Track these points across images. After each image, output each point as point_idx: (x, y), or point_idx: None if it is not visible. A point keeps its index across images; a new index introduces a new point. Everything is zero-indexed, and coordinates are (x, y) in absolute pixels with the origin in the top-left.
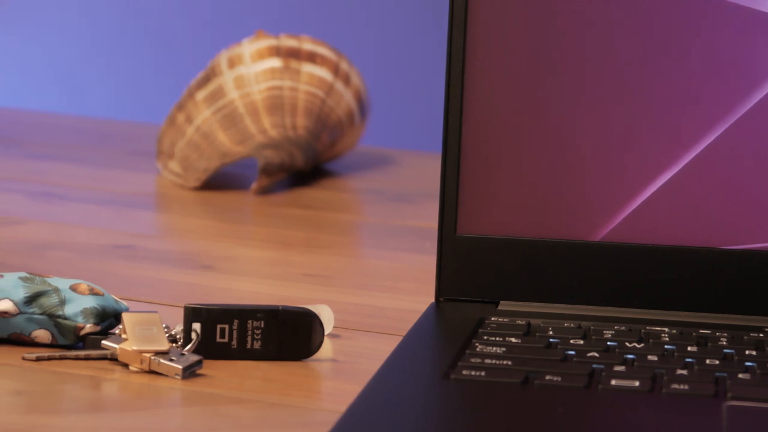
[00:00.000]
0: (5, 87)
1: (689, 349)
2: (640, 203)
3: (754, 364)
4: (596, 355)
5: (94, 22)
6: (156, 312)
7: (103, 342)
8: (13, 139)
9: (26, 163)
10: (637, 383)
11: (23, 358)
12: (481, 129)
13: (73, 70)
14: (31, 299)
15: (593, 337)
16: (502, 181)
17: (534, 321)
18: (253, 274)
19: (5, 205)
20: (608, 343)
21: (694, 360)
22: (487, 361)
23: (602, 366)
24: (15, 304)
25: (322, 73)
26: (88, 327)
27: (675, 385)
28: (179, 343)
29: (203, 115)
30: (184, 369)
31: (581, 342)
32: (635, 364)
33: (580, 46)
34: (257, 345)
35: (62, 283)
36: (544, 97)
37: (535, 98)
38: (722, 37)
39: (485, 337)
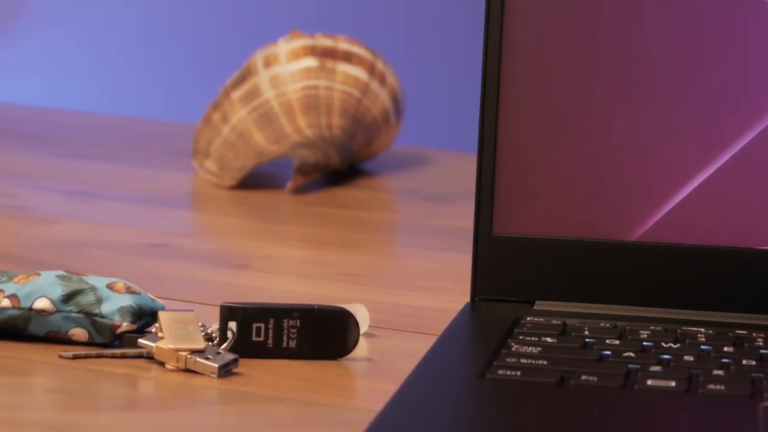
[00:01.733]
0: (43, 87)
1: (725, 349)
2: (677, 203)
3: None
4: (632, 355)
5: (130, 22)
6: (192, 311)
7: (140, 340)
8: (50, 138)
9: (63, 163)
10: (673, 383)
11: (60, 356)
12: (517, 128)
13: (110, 70)
14: (68, 297)
15: (629, 337)
16: (537, 181)
17: (569, 321)
18: (288, 273)
19: (43, 204)
20: (644, 343)
21: (730, 360)
22: (523, 360)
23: (638, 366)
24: (52, 302)
25: (358, 72)
26: (125, 325)
27: (711, 386)
28: (215, 341)
29: (239, 114)
30: (220, 367)
31: (617, 342)
32: (671, 364)
33: (618, 45)
34: (293, 344)
35: (99, 282)
36: (581, 96)
37: (572, 97)
38: (761, 38)
39: (521, 337)
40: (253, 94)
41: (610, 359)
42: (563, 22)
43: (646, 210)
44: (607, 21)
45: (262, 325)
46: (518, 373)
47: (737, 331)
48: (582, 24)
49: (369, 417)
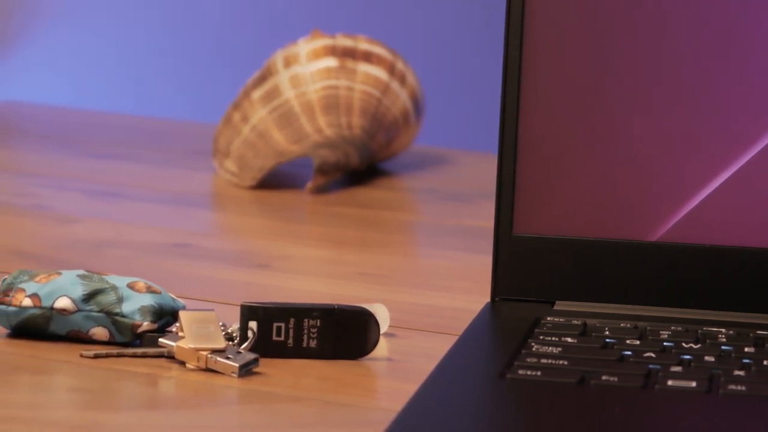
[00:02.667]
0: (64, 87)
1: (746, 349)
2: (697, 203)
3: None
4: (653, 355)
5: (151, 22)
6: (213, 310)
7: (160, 340)
8: (71, 138)
9: (84, 163)
10: (694, 384)
11: (81, 356)
12: (537, 128)
13: (131, 70)
14: (89, 297)
15: (649, 337)
16: (558, 181)
17: (590, 321)
18: (308, 272)
19: (64, 204)
20: (665, 343)
21: (751, 361)
22: (543, 360)
23: (659, 366)
24: (73, 301)
25: (378, 72)
26: (146, 325)
27: (732, 386)
28: (236, 341)
29: (259, 114)
30: (241, 367)
31: (637, 342)
32: (692, 364)
33: (638, 45)
34: (313, 343)
35: (120, 281)
36: (602, 96)
37: (592, 98)
38: None
39: (541, 337)
40: (274, 94)
41: (631, 359)
42: (584, 22)
43: (667, 210)
44: (627, 21)
45: (283, 325)
46: (539, 373)
47: (758, 332)
48: (603, 24)
49: (389, 417)
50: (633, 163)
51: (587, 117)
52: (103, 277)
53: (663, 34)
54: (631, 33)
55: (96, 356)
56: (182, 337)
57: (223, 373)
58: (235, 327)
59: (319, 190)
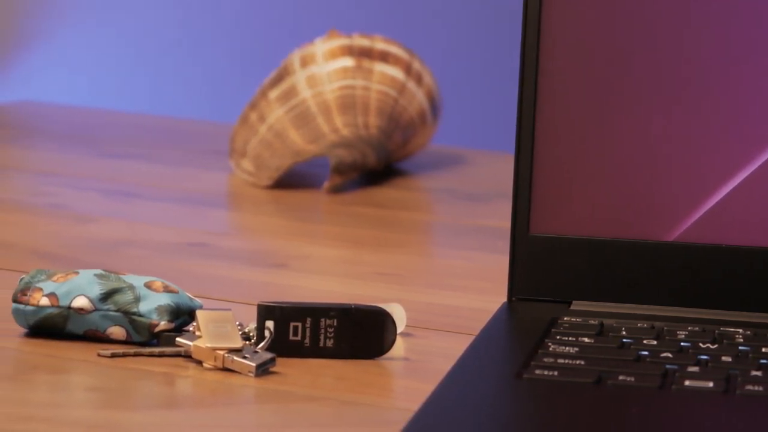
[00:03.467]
0: (82, 86)
1: (764, 350)
2: (714, 203)
3: None
4: (670, 355)
5: (167, 22)
6: (229, 310)
7: (177, 339)
8: (88, 137)
9: (101, 162)
10: (711, 384)
11: (98, 355)
12: (554, 128)
13: (148, 70)
14: (107, 296)
15: (666, 337)
16: (575, 181)
17: (607, 321)
18: (325, 272)
19: (81, 203)
20: (682, 343)
21: None
22: (560, 360)
23: (676, 366)
24: (90, 300)
25: (395, 72)
26: (163, 324)
27: (749, 386)
28: (252, 340)
29: (276, 113)
30: (258, 366)
31: (654, 342)
32: (709, 364)
33: (655, 46)
34: (330, 343)
35: (137, 281)
36: (619, 96)
37: (610, 97)
38: None
39: (558, 337)
40: (290, 93)
41: (648, 359)
42: (601, 21)
43: (684, 210)
44: (645, 20)
45: (300, 325)
46: (555, 373)
47: None
48: (620, 24)
49: (406, 416)
50: (650, 163)
51: (604, 117)
52: (120, 276)
53: (682, 34)
54: (650, 32)
55: (113, 355)
56: (199, 337)
57: (239, 373)
58: (251, 326)
59: (336, 190)
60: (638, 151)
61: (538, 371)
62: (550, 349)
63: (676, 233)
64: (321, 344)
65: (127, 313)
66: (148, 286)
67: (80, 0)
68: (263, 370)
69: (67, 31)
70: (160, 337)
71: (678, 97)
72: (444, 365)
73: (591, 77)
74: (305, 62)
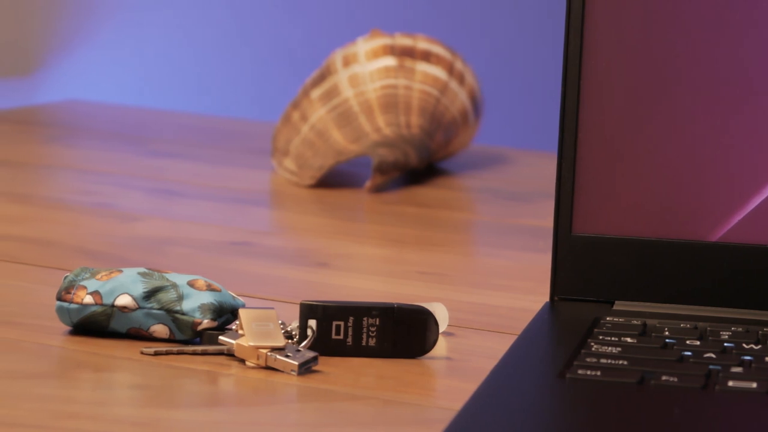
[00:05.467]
0: (128, 86)
1: None
2: (758, 203)
3: None
4: (713, 356)
5: (211, 21)
6: (272, 308)
7: (220, 337)
8: (133, 136)
9: (145, 161)
10: (754, 385)
11: (142, 353)
12: (597, 128)
13: (192, 69)
14: (150, 294)
15: (710, 337)
16: (618, 181)
17: (650, 321)
18: (367, 271)
19: (125, 202)
20: (725, 344)
21: None
22: (603, 360)
23: (719, 367)
24: (134, 299)
25: (437, 72)
26: (206, 322)
27: None
28: (295, 339)
29: (318, 113)
30: (300, 365)
31: (698, 343)
32: (753, 365)
33: (699, 45)
34: (372, 342)
35: (180, 279)
36: (662, 95)
37: (653, 96)
38: None
39: (601, 337)
40: (333, 93)
41: (691, 360)
42: (645, 21)
43: (728, 210)
44: (688, 21)
45: (342, 323)
46: (598, 372)
47: None
48: (663, 24)
49: (448, 416)
50: (693, 162)
51: (647, 115)
52: (164, 274)
53: (724, 34)
54: (693, 33)
55: (156, 353)
56: (242, 335)
57: (282, 371)
58: (294, 325)
59: (378, 189)
60: (681, 151)
61: (580, 371)
62: (593, 348)
63: (719, 233)
64: (363, 343)
65: (170, 312)
66: (191, 284)
67: (125, 0)
68: (305, 368)
69: (113, 30)
70: (203, 335)
71: (722, 96)
72: (486, 365)
73: (634, 76)
74: (347, 62)
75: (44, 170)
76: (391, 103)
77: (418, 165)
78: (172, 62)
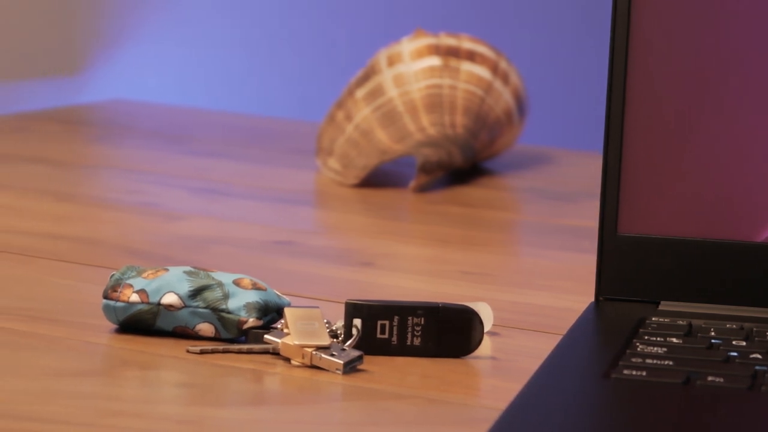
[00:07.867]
0: (171, 86)
1: None
2: None
3: None
4: (759, 356)
5: (257, 21)
6: (317, 307)
7: (266, 336)
8: (178, 136)
9: (190, 160)
10: None
11: (187, 351)
12: (643, 128)
13: (236, 69)
14: (196, 293)
15: (756, 338)
16: (664, 181)
17: (695, 321)
18: (412, 271)
19: (170, 201)
20: None
21: None
22: (648, 361)
23: (765, 368)
24: (180, 297)
25: (481, 71)
26: (251, 321)
27: None
28: (340, 338)
29: (362, 113)
30: (345, 364)
31: (744, 343)
32: None
33: (746, 46)
34: (417, 341)
35: (226, 278)
36: (709, 95)
37: (699, 97)
38: None
39: (646, 337)
40: (377, 92)
41: (737, 360)
42: (693, 18)
43: None
44: (735, 20)
45: (387, 323)
46: (644, 373)
47: None
48: (709, 26)
49: (493, 415)
50: (740, 163)
51: (693, 116)
52: (210, 273)
53: None
54: (741, 33)
55: (202, 352)
56: (287, 334)
57: (327, 370)
58: (339, 324)
59: (422, 189)
60: (728, 151)
61: (626, 371)
62: (638, 349)
63: (766, 234)
64: (408, 342)
65: (215, 310)
66: (236, 283)
67: (167, 0)
68: (350, 367)
69: (157, 30)
70: (248, 334)
71: None
72: (531, 365)
73: (680, 76)
74: (392, 61)
75: (89, 169)
76: (435, 102)
77: (463, 165)
78: (216, 62)
